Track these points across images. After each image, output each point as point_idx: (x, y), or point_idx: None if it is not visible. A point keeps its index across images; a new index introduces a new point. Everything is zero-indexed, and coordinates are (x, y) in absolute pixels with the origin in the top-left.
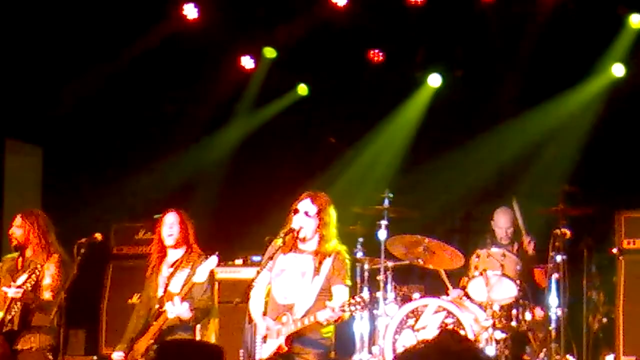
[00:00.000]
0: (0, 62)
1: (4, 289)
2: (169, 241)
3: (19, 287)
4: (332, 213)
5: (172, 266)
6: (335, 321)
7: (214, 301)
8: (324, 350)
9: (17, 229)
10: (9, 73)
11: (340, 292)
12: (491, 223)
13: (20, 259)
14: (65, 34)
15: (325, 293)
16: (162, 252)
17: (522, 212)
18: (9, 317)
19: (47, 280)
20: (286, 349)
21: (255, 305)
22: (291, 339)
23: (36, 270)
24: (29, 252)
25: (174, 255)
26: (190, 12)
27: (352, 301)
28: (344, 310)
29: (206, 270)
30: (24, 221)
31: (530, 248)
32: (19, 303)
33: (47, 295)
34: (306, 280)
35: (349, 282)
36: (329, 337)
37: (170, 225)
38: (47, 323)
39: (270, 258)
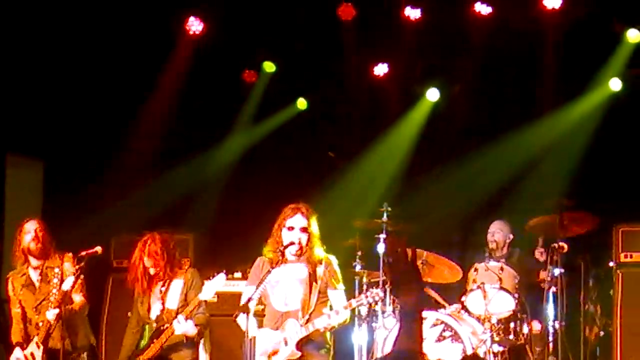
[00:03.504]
0: (0, 77)
1: (47, 314)
2: (152, 271)
3: (58, 306)
4: (315, 221)
5: (163, 285)
6: (342, 323)
7: (208, 314)
8: (328, 353)
9: (40, 232)
10: (10, 88)
11: (338, 296)
12: (487, 236)
13: (32, 270)
14: (65, 47)
15: (322, 297)
16: (148, 274)
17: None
18: (52, 340)
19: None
20: (299, 354)
21: (249, 319)
22: (301, 343)
23: (52, 277)
24: (35, 261)
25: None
26: (195, 26)
27: (363, 297)
28: (359, 304)
29: (214, 288)
30: (41, 224)
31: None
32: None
33: (77, 298)
34: (304, 286)
35: (342, 286)
36: (330, 343)
37: (150, 254)
38: (82, 324)
39: (269, 272)
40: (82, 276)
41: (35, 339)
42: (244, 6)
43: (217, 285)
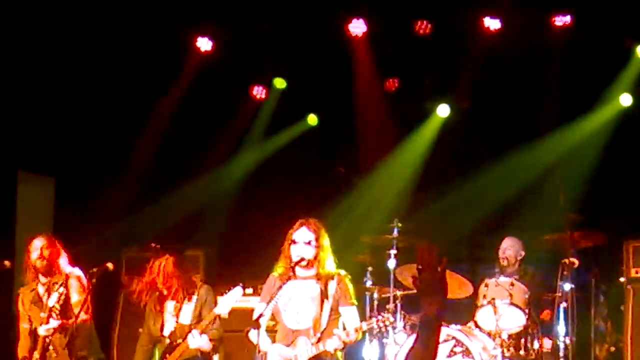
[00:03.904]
0: (11, 95)
1: (39, 329)
2: (165, 292)
3: (48, 321)
4: (326, 236)
5: (177, 302)
6: (352, 342)
7: (222, 329)
8: None
9: (46, 250)
10: (21, 105)
11: (350, 313)
12: (498, 252)
13: (40, 286)
14: (75, 63)
15: (334, 315)
16: (161, 294)
17: None
18: (53, 354)
19: (75, 298)
20: None
21: (262, 335)
22: None
23: (57, 292)
24: (43, 278)
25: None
26: (204, 44)
27: (374, 320)
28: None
29: (230, 302)
30: (49, 240)
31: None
32: (54, 337)
33: (82, 316)
34: (316, 304)
35: (355, 302)
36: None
37: (165, 274)
38: (87, 340)
39: (280, 287)
40: (84, 289)
41: (35, 354)
42: (252, 24)
43: (233, 299)
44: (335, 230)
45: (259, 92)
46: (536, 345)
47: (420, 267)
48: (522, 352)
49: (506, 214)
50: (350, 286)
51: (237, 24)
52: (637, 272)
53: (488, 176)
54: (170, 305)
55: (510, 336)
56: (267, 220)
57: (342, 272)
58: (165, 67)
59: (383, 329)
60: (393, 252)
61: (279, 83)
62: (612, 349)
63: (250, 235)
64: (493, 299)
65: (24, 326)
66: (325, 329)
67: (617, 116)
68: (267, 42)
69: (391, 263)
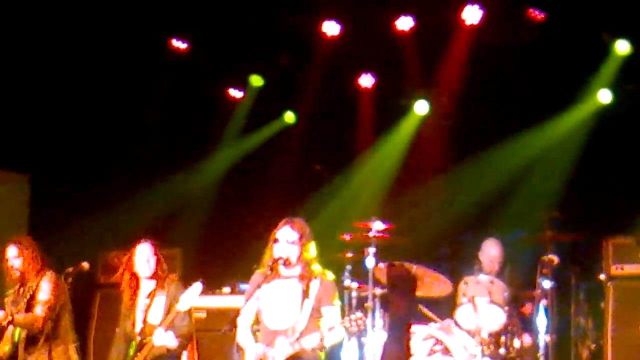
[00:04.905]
0: None
1: None
2: (144, 272)
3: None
4: (311, 236)
5: (148, 297)
6: (330, 344)
7: (193, 326)
8: None
9: (16, 259)
10: None
11: (331, 313)
12: (479, 253)
13: (20, 288)
14: (50, 59)
15: (315, 314)
16: (137, 284)
17: None
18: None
19: (41, 296)
20: None
21: (244, 333)
22: None
23: (27, 294)
24: (18, 285)
25: (147, 286)
26: (179, 44)
27: (347, 320)
28: (345, 327)
29: (190, 298)
30: (19, 249)
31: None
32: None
33: (38, 310)
34: (296, 304)
35: (338, 302)
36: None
37: (145, 257)
38: (62, 343)
39: (259, 286)
40: (54, 291)
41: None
42: (226, 24)
43: (194, 294)
44: (312, 228)
45: (235, 90)
46: (516, 343)
47: (386, 265)
48: (502, 350)
49: (486, 212)
50: (333, 287)
51: (212, 23)
52: (616, 269)
53: (467, 174)
54: (140, 301)
55: (490, 334)
56: (244, 219)
57: (329, 273)
58: (142, 67)
59: (355, 328)
60: (372, 250)
61: (256, 80)
62: (593, 346)
63: (228, 234)
64: (473, 296)
65: (3, 325)
66: (305, 329)
67: (596, 112)
68: (243, 41)
69: (369, 261)
